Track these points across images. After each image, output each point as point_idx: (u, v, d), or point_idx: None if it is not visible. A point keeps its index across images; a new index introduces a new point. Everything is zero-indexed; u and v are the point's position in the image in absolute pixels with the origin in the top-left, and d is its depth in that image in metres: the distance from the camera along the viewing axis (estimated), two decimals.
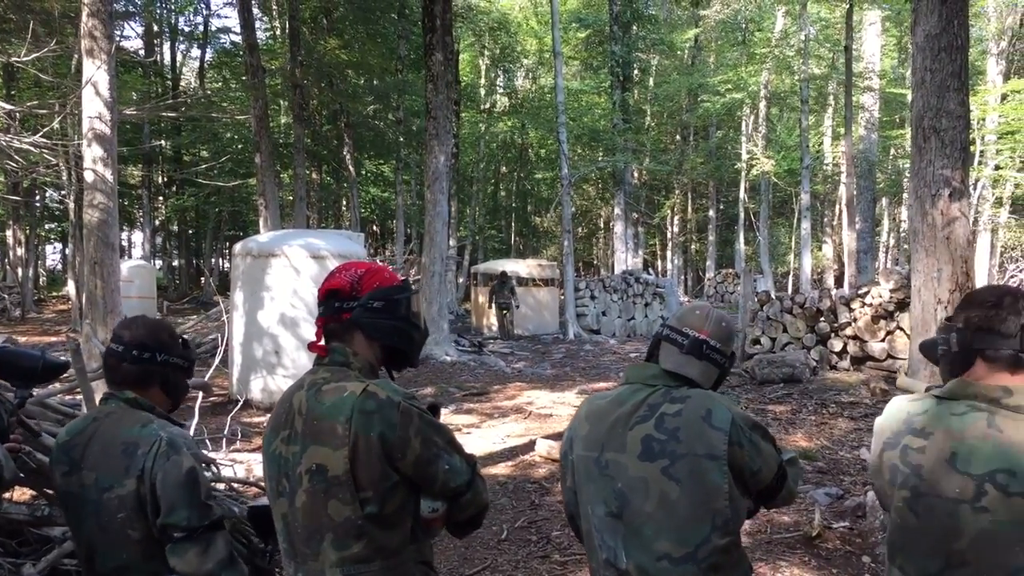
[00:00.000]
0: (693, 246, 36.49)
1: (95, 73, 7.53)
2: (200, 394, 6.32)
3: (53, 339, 15.43)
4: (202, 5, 29.61)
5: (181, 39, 31.62)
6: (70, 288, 21.37)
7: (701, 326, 1.89)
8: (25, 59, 7.21)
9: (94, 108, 7.65)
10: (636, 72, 29.48)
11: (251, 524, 2.16)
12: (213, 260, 34.06)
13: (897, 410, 1.73)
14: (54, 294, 29.19)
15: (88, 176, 7.76)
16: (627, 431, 1.80)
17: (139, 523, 1.95)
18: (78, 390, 4.57)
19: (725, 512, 1.71)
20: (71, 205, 20.09)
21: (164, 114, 15.60)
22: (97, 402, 2.31)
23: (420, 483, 1.79)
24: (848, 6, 18.38)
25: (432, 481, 1.79)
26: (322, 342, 1.88)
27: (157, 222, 31.61)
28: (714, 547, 1.71)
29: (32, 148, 7.84)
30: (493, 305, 16.80)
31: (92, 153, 7.68)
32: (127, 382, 2.10)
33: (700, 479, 1.71)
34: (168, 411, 2.20)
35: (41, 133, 7.59)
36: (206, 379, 8.87)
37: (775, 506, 1.92)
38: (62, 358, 2.34)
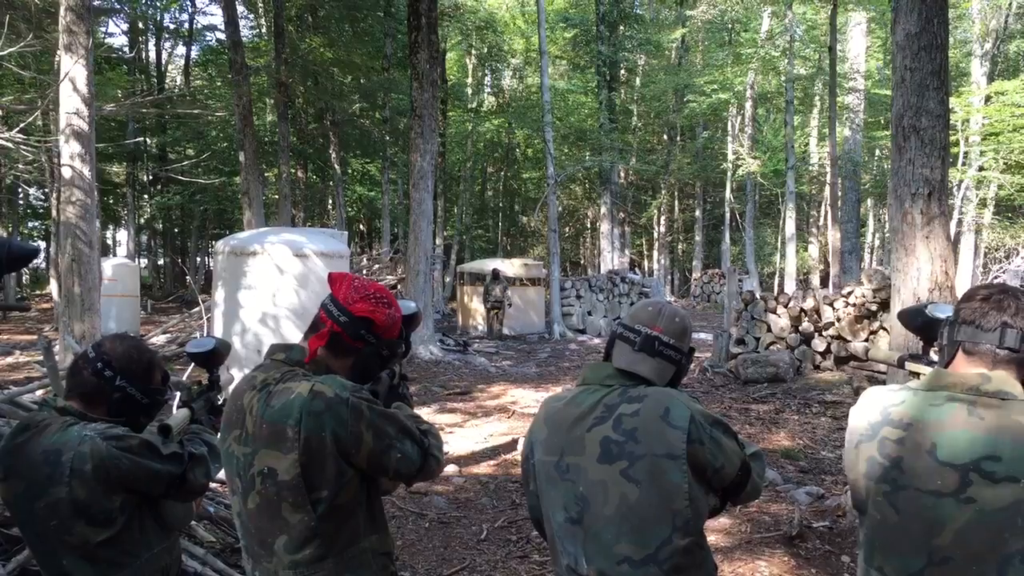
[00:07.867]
0: (680, 246, 36.50)
1: (72, 68, 7.45)
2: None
3: (33, 337, 15.27)
4: (187, 2, 29.34)
5: (167, 36, 31.39)
6: (52, 287, 21.18)
7: (653, 322, 1.84)
8: (0, 54, 7.11)
9: (72, 104, 7.56)
10: (623, 72, 29.53)
11: (194, 361, 2.27)
12: (198, 259, 33.86)
13: (873, 401, 1.68)
14: (37, 293, 28.90)
15: (66, 172, 7.67)
16: (585, 434, 1.76)
17: (76, 529, 1.89)
18: (50, 388, 4.51)
19: (685, 512, 1.68)
20: (54, 202, 19.94)
21: (147, 111, 15.44)
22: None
23: (373, 473, 1.80)
24: (832, 7, 18.43)
25: (385, 471, 1.80)
26: (323, 343, 1.85)
27: (142, 220, 31.34)
28: (675, 548, 1.67)
29: (9, 144, 7.74)
30: (487, 304, 16.62)
31: (70, 149, 7.60)
32: (76, 391, 2.04)
33: (659, 480, 1.67)
34: None
35: (18, 129, 7.49)
36: (184, 378, 8.79)
37: (741, 502, 1.88)
38: (31, 244, 2.25)
